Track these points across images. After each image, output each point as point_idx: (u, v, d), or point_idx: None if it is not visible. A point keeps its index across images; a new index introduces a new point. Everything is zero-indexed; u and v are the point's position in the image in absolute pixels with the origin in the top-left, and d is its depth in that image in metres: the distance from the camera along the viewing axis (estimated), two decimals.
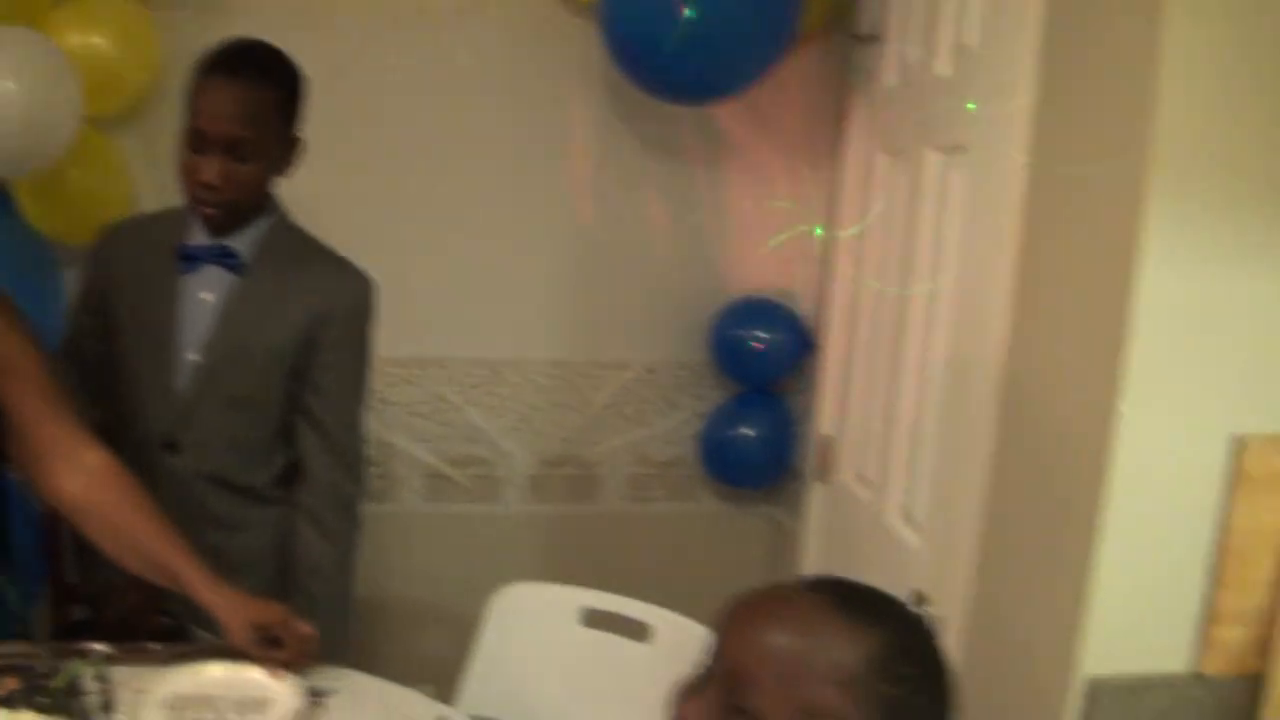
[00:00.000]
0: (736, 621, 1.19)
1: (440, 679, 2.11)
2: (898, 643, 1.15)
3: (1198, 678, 1.72)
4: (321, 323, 2.21)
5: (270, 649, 1.92)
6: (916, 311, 2.37)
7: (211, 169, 2.06)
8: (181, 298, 2.19)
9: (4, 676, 1.83)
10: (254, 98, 2.07)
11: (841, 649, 1.13)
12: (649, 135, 3.23)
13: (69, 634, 2.65)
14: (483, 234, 3.19)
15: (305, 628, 1.97)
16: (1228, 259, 1.63)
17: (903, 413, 2.39)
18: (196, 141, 2.07)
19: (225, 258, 2.19)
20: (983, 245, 2.07)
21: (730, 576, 3.41)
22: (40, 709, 1.71)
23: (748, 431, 3.29)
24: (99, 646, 1.99)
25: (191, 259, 2.20)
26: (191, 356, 2.19)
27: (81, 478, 1.97)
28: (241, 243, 2.19)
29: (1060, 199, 1.85)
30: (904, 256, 2.45)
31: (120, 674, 1.89)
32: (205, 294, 2.19)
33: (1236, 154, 1.62)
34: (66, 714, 1.73)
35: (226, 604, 1.92)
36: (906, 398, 2.38)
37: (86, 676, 1.87)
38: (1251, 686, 1.73)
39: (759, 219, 3.33)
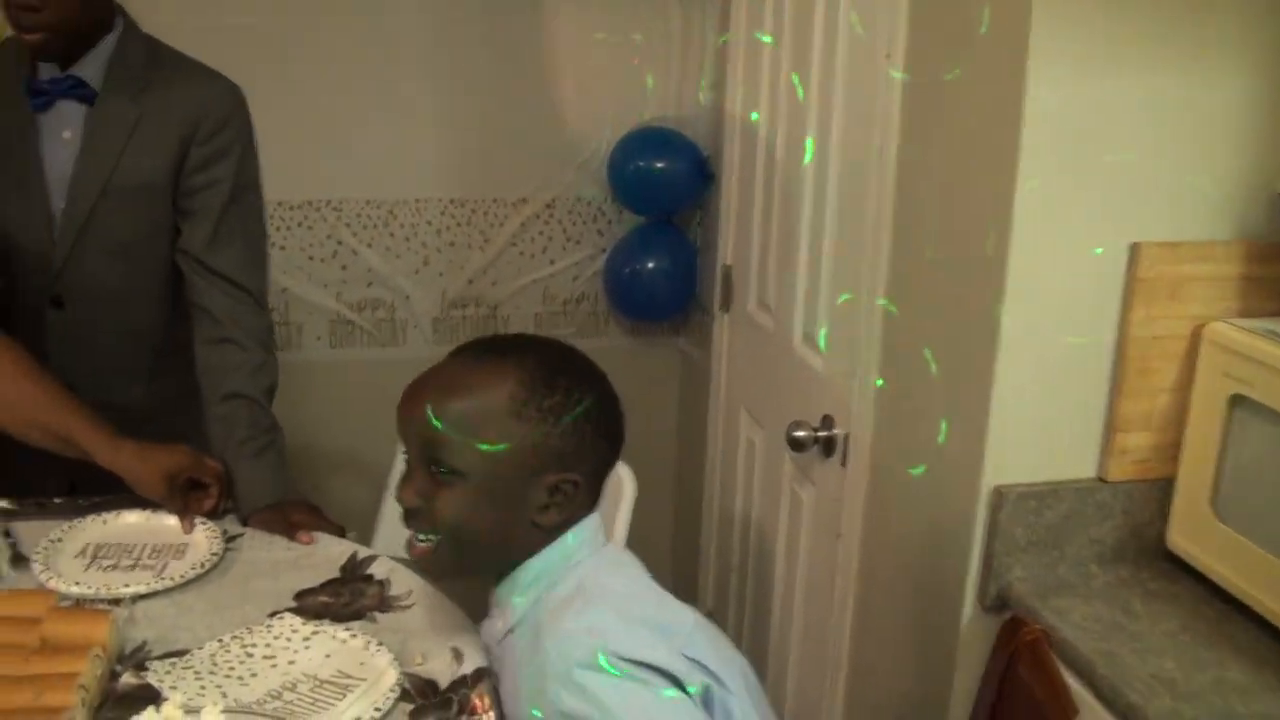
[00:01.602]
0: (409, 406, 1.40)
1: (352, 523, 2.10)
2: (543, 362, 1.40)
3: (1102, 483, 1.76)
4: (189, 142, 2.03)
5: (184, 495, 1.91)
6: (809, 136, 2.34)
7: None
8: (43, 141, 2.00)
9: None
10: None
11: (499, 385, 1.37)
12: None
13: None
14: (368, 71, 3.09)
15: (216, 465, 1.95)
16: (1119, 60, 1.61)
17: (800, 237, 2.38)
18: None
19: (76, 88, 1.99)
20: (872, 61, 2.03)
21: (642, 410, 3.40)
22: None
23: (651, 264, 3.27)
24: (2, 502, 1.96)
25: (41, 95, 1.99)
26: (60, 204, 2.02)
27: None
28: (89, 68, 1.99)
29: (945, 4, 1.82)
30: (797, 78, 2.41)
31: (26, 529, 1.86)
32: (65, 132, 2.01)
33: None
34: None
35: (133, 460, 1.90)
36: (803, 224, 2.37)
37: None
38: (1157, 492, 1.77)
39: (652, 41, 3.26)
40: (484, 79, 3.18)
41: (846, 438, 2.17)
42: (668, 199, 3.26)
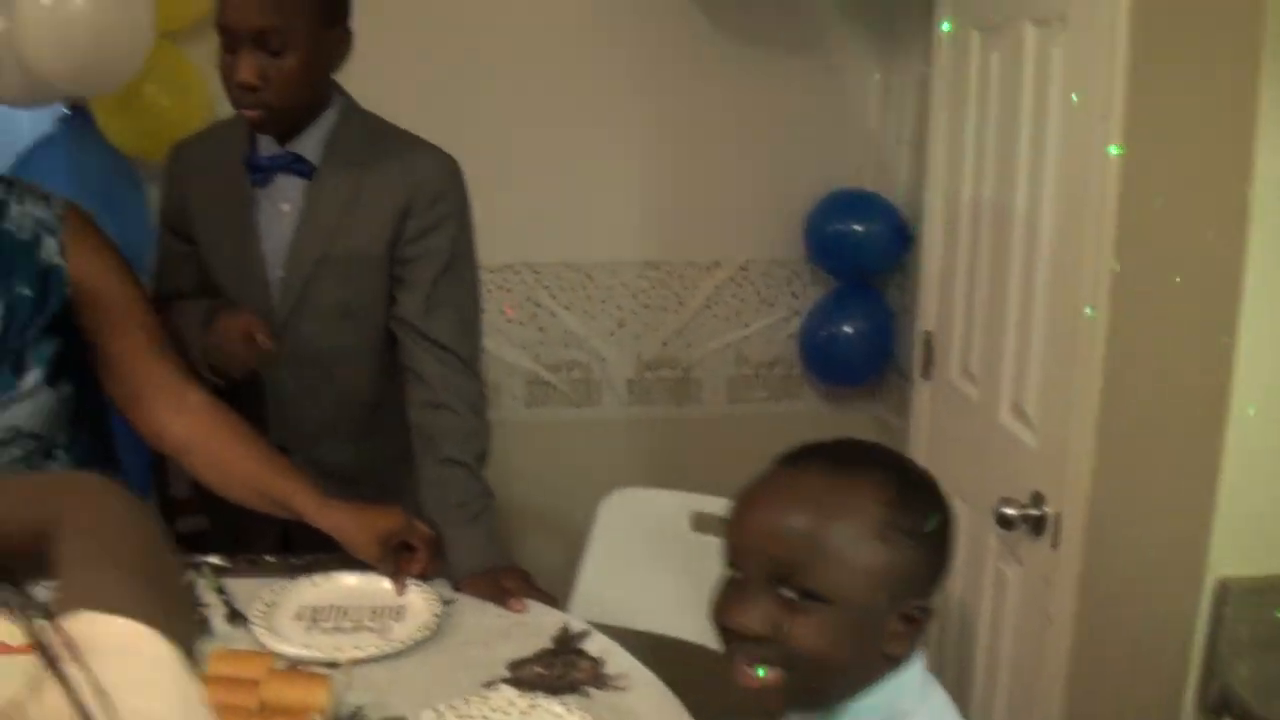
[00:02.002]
0: (761, 521, 1.25)
1: (545, 584, 2.10)
2: (899, 478, 1.27)
3: None
4: (405, 214, 2.08)
5: (396, 557, 1.93)
6: (1019, 197, 2.27)
7: (245, 67, 1.93)
8: (260, 213, 2.10)
9: None
10: None
11: (864, 503, 1.23)
12: (734, 23, 3.16)
13: (176, 545, 2.68)
14: (567, 133, 3.14)
15: (426, 529, 1.97)
16: None
17: (1009, 304, 2.30)
18: (227, 40, 1.94)
19: (295, 164, 2.08)
20: (1086, 125, 1.96)
21: None
22: None
23: (847, 328, 3.22)
24: (213, 559, 2.00)
25: (261, 170, 2.09)
26: (279, 273, 2.10)
27: (184, 417, 1.97)
28: (307, 145, 2.07)
29: (1169, 73, 1.74)
30: (1003, 139, 2.35)
31: (239, 586, 1.90)
32: (284, 205, 2.09)
33: None
34: None
35: (346, 522, 1.93)
36: (1012, 288, 2.29)
37: (204, 589, 1.88)
38: None
39: (850, 106, 3.24)
40: (681, 143, 3.19)
41: (1058, 517, 2.07)
42: (865, 262, 3.22)
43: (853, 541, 1.22)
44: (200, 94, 2.95)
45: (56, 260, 1.92)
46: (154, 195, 3.02)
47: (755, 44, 3.17)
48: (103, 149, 2.92)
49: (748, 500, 1.28)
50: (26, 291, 1.89)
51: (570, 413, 3.34)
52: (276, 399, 2.15)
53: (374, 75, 2.16)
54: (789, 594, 1.22)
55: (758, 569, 1.25)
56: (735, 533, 1.28)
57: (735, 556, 1.27)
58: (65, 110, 2.93)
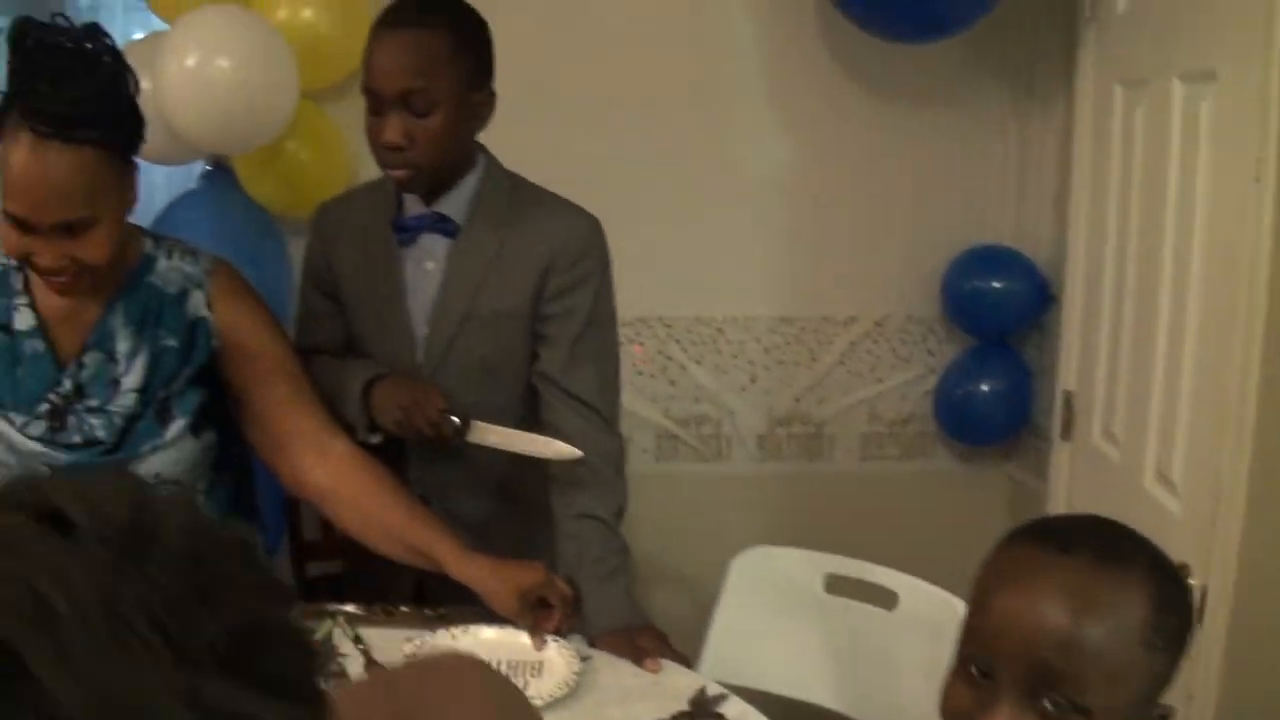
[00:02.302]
0: (1016, 613, 1.10)
1: (673, 641, 2.08)
2: (1163, 572, 1.14)
3: None
4: (547, 272, 2.10)
5: (535, 612, 1.93)
6: (1165, 256, 2.20)
7: (391, 128, 1.96)
8: (405, 271, 2.14)
9: None
10: (421, 46, 1.95)
11: (1131, 603, 1.09)
12: (870, 77, 3.14)
13: (308, 590, 2.72)
14: (700, 187, 3.16)
15: (566, 587, 1.97)
16: None
17: (1155, 366, 2.23)
18: (374, 103, 1.98)
19: (440, 223, 2.11)
20: (1237, 183, 1.90)
21: (969, 539, 3.26)
22: None
23: (984, 386, 3.16)
24: (349, 607, 2.01)
25: (406, 230, 2.13)
26: (424, 329, 2.14)
27: (328, 467, 2.01)
28: (452, 204, 2.11)
29: None
30: (1148, 197, 2.29)
31: (375, 635, 1.91)
32: (429, 264, 2.13)
33: None
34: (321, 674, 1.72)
35: (486, 575, 1.94)
36: (1159, 349, 2.23)
37: (340, 637, 1.90)
38: None
39: (987, 162, 3.19)
40: (816, 196, 3.18)
41: (1204, 590, 2.00)
42: (1004, 320, 3.16)
43: (1118, 647, 1.08)
44: (341, 152, 3.03)
45: (204, 313, 1.98)
46: (293, 250, 3.10)
47: (893, 97, 3.15)
48: (244, 204, 3.00)
49: (1009, 589, 1.13)
50: (172, 343, 1.95)
51: (699, 468, 3.32)
52: (418, 451, 2.17)
53: (510, 134, 2.18)
54: (1051, 707, 1.08)
55: (1014, 671, 1.09)
56: (990, 627, 1.12)
57: (988, 653, 1.12)
58: (206, 166, 3.02)
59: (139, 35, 3.35)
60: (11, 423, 1.89)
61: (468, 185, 2.11)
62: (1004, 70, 3.14)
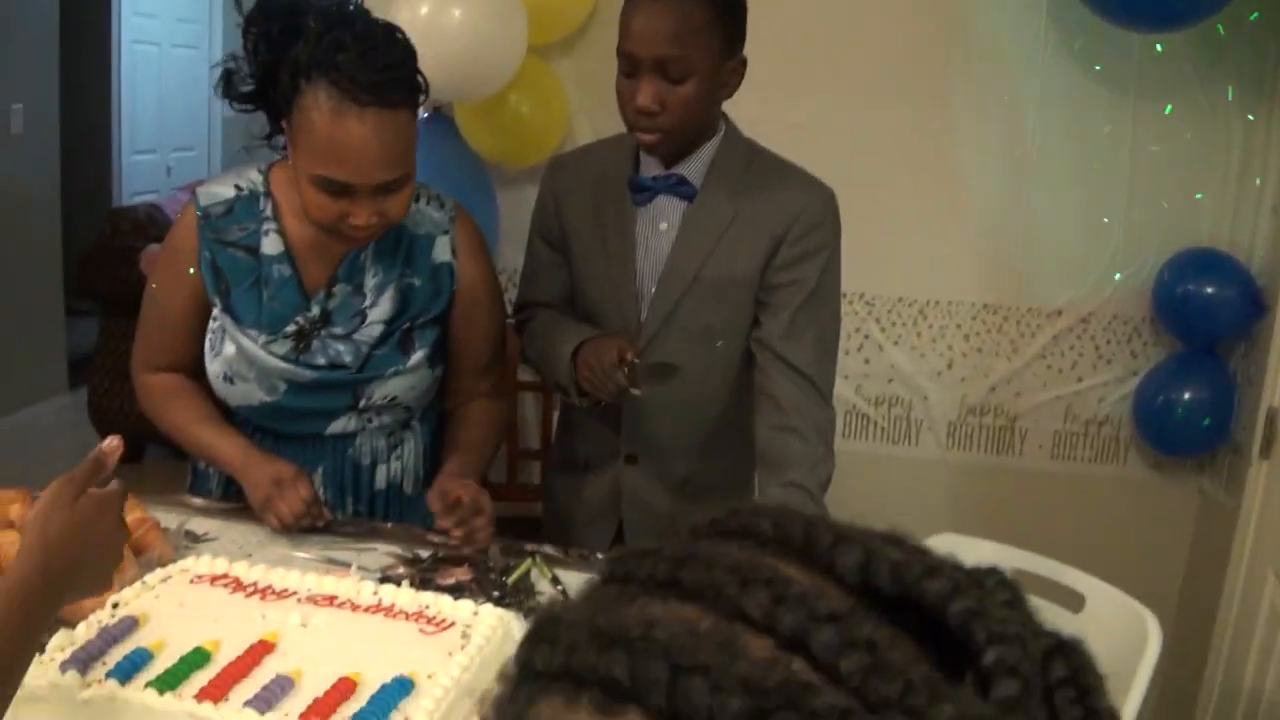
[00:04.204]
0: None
1: None
2: None
3: None
4: (780, 242, 2.10)
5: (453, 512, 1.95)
6: None
7: (645, 93, 1.97)
8: (638, 231, 2.16)
9: (456, 566, 1.91)
10: (682, 14, 1.95)
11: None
12: (1096, 64, 3.07)
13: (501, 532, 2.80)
14: (915, 167, 3.12)
15: (477, 489, 1.99)
16: None
17: None
18: (628, 65, 1.99)
19: (678, 186, 2.13)
20: None
21: (1154, 547, 3.24)
22: (495, 603, 1.72)
23: (1186, 394, 3.08)
24: (547, 548, 2.06)
25: (644, 190, 2.15)
26: (651, 289, 2.16)
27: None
28: (692, 168, 2.12)
29: None
30: None
31: (571, 579, 1.93)
32: (663, 224, 2.15)
33: None
34: (522, 610, 1.76)
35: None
36: None
37: (540, 576, 1.94)
38: None
39: (1210, 163, 3.09)
40: (1031, 186, 3.12)
41: None
42: (1213, 326, 3.06)
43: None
44: (561, 107, 3.09)
45: (449, 259, 2.10)
46: (502, 201, 3.18)
47: (1119, 86, 3.06)
48: (459, 153, 3.08)
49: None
50: (418, 282, 2.08)
51: (885, 449, 3.32)
52: (631, 409, 2.21)
53: (743, 103, 2.19)
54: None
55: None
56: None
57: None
58: (424, 113, 3.11)
59: None
60: (254, 340, 2.01)
61: (707, 150, 2.12)
62: (1237, 70, 3.02)
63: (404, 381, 2.07)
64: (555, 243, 2.26)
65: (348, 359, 2.03)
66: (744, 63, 2.07)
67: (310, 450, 2.10)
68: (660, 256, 2.15)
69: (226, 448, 2.05)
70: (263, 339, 2.01)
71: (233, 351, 2.02)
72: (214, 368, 2.05)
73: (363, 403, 2.07)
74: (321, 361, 2.03)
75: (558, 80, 3.12)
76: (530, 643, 0.52)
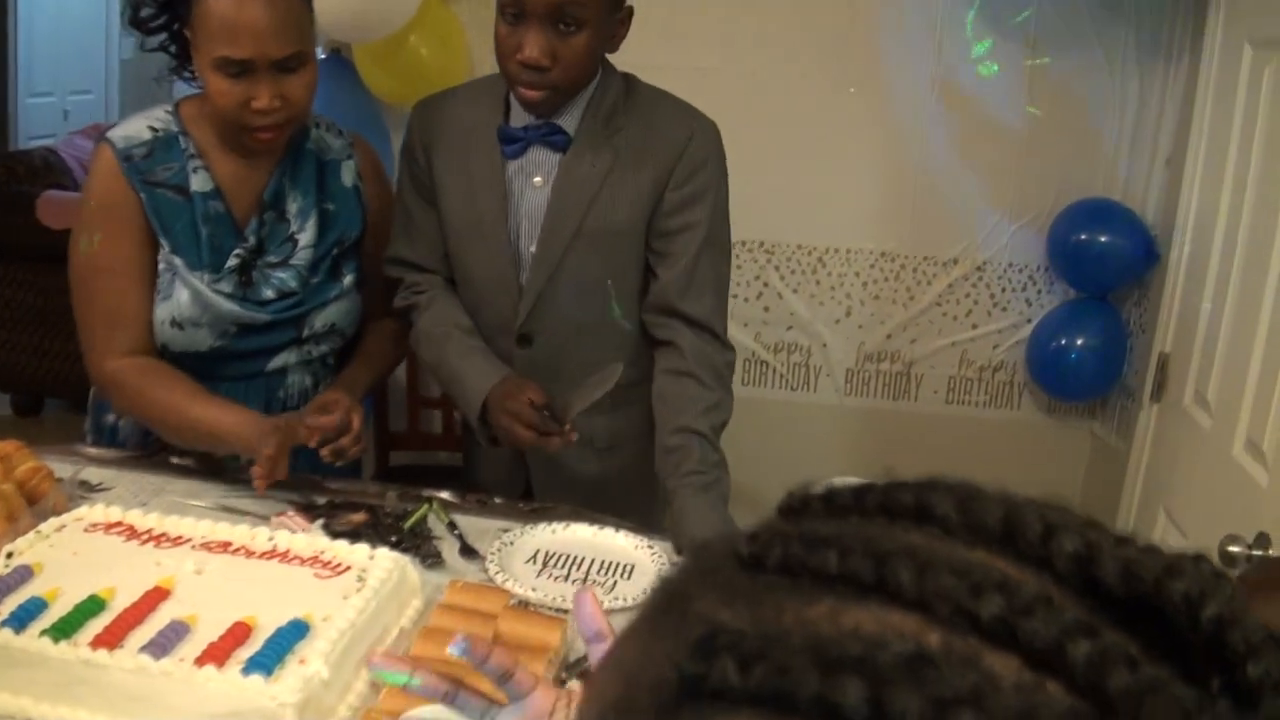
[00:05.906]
0: None
1: None
2: None
3: None
4: (665, 185, 1.99)
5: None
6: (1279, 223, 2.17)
7: (534, 44, 1.82)
8: (510, 186, 2.02)
9: (353, 513, 1.92)
10: None
11: None
12: (994, 15, 3.09)
13: (389, 479, 2.78)
14: (813, 117, 3.14)
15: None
16: None
17: (1257, 334, 2.21)
18: (513, 13, 1.83)
19: (551, 135, 1.98)
20: None
21: (1047, 489, 3.25)
22: (391, 547, 1.71)
23: (1080, 341, 3.14)
24: (444, 494, 2.06)
25: (515, 141, 2.00)
26: (531, 248, 2.03)
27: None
28: (567, 115, 1.98)
29: None
30: (1268, 161, 2.25)
31: (468, 523, 1.95)
32: (536, 178, 2.01)
33: None
34: (418, 555, 1.79)
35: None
36: (1262, 318, 2.20)
37: (434, 521, 1.95)
38: None
39: (1106, 114, 3.14)
40: (930, 134, 3.15)
41: None
42: (1106, 275, 3.13)
43: None
44: (461, 51, 3.05)
45: (356, 183, 2.15)
46: (396, 144, 3.13)
47: (1014, 39, 3.11)
48: (356, 94, 3.04)
49: None
50: (332, 207, 2.11)
51: (785, 395, 3.35)
52: (528, 368, 2.10)
53: (645, 48, 2.14)
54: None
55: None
56: None
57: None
58: (322, 54, 3.06)
59: None
60: (201, 281, 1.99)
61: (582, 98, 1.99)
62: (1135, 22, 3.07)
63: (340, 307, 2.10)
64: (427, 196, 2.11)
65: (294, 284, 2.05)
66: (631, 13, 1.97)
67: (245, 390, 2.07)
68: (537, 213, 2.02)
69: (232, 418, 1.94)
70: (208, 278, 1.99)
71: (186, 297, 1.98)
72: (160, 312, 1.99)
73: (305, 332, 2.08)
74: (270, 295, 2.04)
75: (458, 23, 3.07)
76: (703, 654, 0.42)
